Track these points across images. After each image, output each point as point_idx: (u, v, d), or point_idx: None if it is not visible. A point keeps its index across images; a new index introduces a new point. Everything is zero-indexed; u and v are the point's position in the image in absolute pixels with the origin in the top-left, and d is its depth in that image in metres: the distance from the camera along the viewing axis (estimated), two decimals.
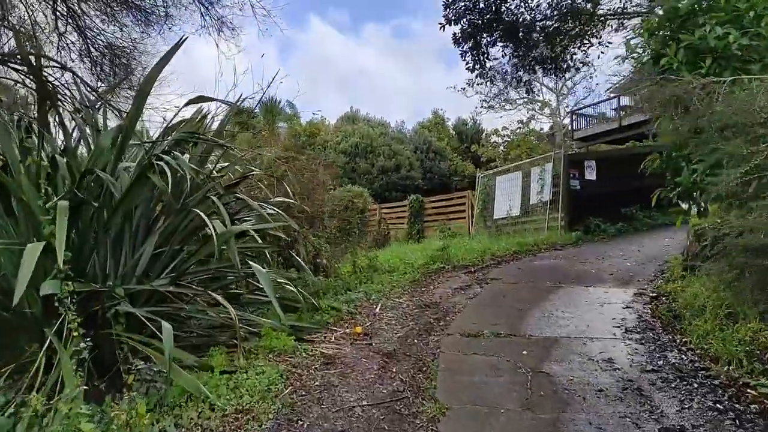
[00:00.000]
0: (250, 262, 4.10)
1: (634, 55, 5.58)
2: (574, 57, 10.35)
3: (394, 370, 4.11)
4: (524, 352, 4.41)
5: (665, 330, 4.81)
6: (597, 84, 33.00)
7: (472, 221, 14.83)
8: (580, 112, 26.78)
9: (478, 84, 33.63)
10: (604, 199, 12.18)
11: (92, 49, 8.14)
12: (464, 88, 34.81)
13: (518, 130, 25.36)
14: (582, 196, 11.89)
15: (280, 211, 5.07)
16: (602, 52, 8.41)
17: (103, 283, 3.65)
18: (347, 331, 5.23)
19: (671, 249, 8.68)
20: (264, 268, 4.18)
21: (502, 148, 24.68)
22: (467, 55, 11.66)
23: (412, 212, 17.70)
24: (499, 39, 10.90)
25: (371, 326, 5.51)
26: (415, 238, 16.76)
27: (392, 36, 61.41)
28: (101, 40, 8.24)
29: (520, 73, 12.43)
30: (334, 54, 61.05)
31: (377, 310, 6.48)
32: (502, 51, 11.55)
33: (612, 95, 27.46)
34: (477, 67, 11.65)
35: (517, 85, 14.01)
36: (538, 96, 32.46)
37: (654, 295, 6.12)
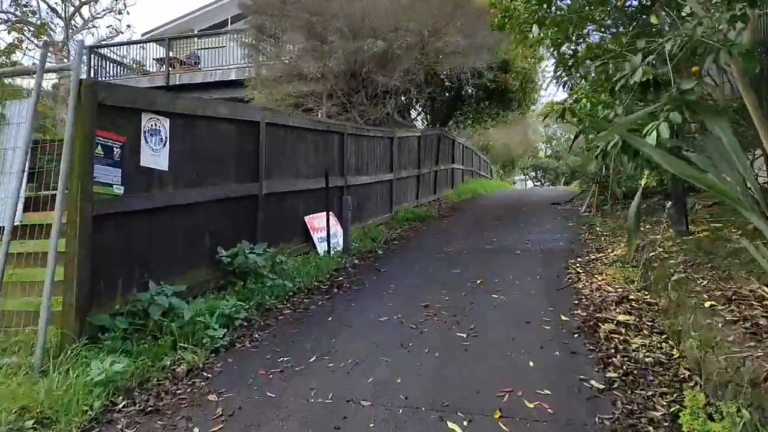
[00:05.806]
0: None
1: None
2: None
3: None
4: None
5: None
6: (129, 26, 24.27)
7: None
8: (105, 54, 17.77)
9: None
10: (182, 220, 4.73)
11: None
12: None
13: None
14: (128, 216, 4.02)
15: None
16: None
17: None
18: None
19: None
20: None
21: None
22: None
23: None
24: None
25: None
26: None
27: None
28: None
29: None
30: None
31: None
32: None
33: (150, 38, 19.60)
34: None
35: None
36: (32, 17, 20.76)
37: None
